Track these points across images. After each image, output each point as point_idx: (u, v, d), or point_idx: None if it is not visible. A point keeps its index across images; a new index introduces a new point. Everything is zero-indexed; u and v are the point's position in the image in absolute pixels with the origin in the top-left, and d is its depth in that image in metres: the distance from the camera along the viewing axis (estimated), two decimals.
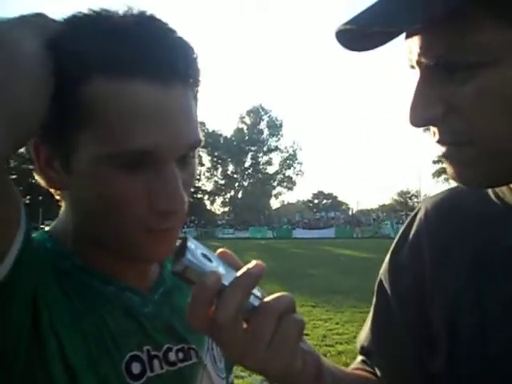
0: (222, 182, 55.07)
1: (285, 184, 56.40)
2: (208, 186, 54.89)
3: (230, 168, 55.19)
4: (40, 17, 0.52)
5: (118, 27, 0.52)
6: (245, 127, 54.95)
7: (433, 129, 0.53)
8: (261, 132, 54.75)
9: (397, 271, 0.69)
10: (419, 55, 0.50)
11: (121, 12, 0.53)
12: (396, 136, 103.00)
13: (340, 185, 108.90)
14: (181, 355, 0.65)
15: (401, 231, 0.72)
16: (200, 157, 54.55)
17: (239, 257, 0.50)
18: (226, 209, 55.84)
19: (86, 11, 0.53)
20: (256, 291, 0.48)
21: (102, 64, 0.50)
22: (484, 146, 0.50)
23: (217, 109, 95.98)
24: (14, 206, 0.48)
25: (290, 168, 55.94)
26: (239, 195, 54.79)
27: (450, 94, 0.50)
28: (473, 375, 0.57)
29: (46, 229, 0.65)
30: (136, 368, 0.60)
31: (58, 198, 0.64)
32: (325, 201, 64.71)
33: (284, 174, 56.12)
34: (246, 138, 54.37)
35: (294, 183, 56.36)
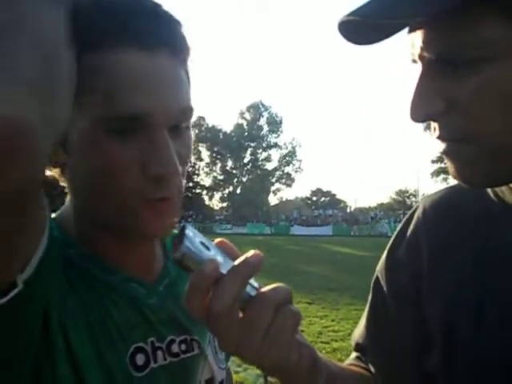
0: (221, 177, 55.04)
1: (283, 181, 56.43)
2: (207, 181, 54.91)
3: (229, 163, 55.14)
4: None
5: (106, 2, 0.53)
6: (244, 123, 54.86)
7: (433, 124, 0.53)
8: (260, 128, 54.68)
9: (393, 269, 0.69)
10: (421, 49, 0.49)
11: None
12: (395, 135, 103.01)
13: (338, 183, 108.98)
14: (183, 347, 0.66)
15: (398, 229, 0.72)
16: (199, 152, 54.55)
17: None
18: (225, 204, 55.83)
19: None
20: (253, 282, 0.47)
21: (92, 37, 0.51)
22: (483, 144, 0.50)
23: (217, 104, 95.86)
24: (43, 210, 0.48)
25: (289, 165, 55.93)
26: (238, 191, 54.78)
27: (450, 90, 0.49)
28: (468, 375, 0.57)
29: (53, 215, 0.65)
30: (140, 359, 0.60)
31: (64, 187, 0.64)
32: (323, 198, 64.73)
33: (283, 171, 56.14)
34: (246, 133, 54.30)
35: (292, 180, 56.39)
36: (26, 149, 0.38)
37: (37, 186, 0.42)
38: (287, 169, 56.16)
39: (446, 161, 0.53)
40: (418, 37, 0.50)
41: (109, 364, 0.57)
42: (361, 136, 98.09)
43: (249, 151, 54.95)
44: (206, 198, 54.59)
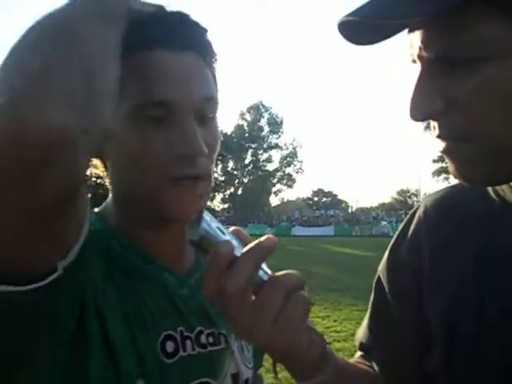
0: (222, 178, 54.96)
1: (285, 181, 56.36)
2: None
3: (230, 165, 55.09)
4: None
5: (150, 14, 0.60)
6: (245, 124, 54.83)
7: (433, 123, 0.53)
8: (261, 129, 54.63)
9: (395, 268, 0.69)
10: (420, 49, 0.50)
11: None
12: (396, 135, 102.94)
13: (340, 183, 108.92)
14: (211, 339, 0.68)
15: (400, 229, 0.72)
16: None
17: None
18: (226, 205, 55.81)
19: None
20: (266, 268, 0.49)
21: (130, 42, 0.57)
22: (483, 143, 0.50)
23: None
24: (84, 203, 0.52)
25: (290, 165, 55.87)
26: (239, 192, 54.75)
27: (449, 89, 0.49)
28: (469, 375, 0.57)
29: (96, 210, 0.71)
30: (170, 347, 0.63)
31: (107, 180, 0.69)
32: (324, 199, 64.67)
33: (284, 172, 56.07)
34: (246, 134, 54.27)
35: (293, 181, 56.32)
36: (65, 159, 0.40)
37: (75, 189, 0.45)
38: (288, 169, 56.13)
39: (446, 160, 0.53)
40: (417, 37, 0.50)
41: (141, 349, 0.60)
42: (361, 136, 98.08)
43: (250, 152, 54.92)
44: None
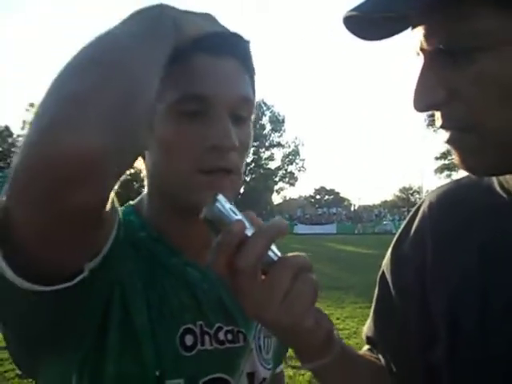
0: None
1: (287, 179, 56.31)
2: None
3: None
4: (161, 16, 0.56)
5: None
6: None
7: (437, 114, 0.54)
8: (263, 127, 54.57)
9: (399, 263, 0.69)
10: (422, 42, 0.51)
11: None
12: (398, 132, 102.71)
13: (342, 181, 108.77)
14: (229, 336, 0.70)
15: (404, 224, 0.72)
16: None
17: None
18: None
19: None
20: (276, 251, 0.50)
21: (189, 45, 0.61)
22: (485, 132, 0.50)
23: None
24: (113, 205, 0.54)
25: (292, 164, 55.81)
26: (241, 190, 54.64)
27: (451, 79, 0.50)
28: (472, 369, 0.57)
29: (132, 202, 0.74)
30: (189, 340, 0.65)
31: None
32: (327, 197, 64.65)
33: (286, 170, 56.01)
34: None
35: (296, 179, 56.24)
36: (95, 176, 0.42)
37: (102, 205, 0.47)
38: (290, 168, 56.02)
39: (449, 155, 0.57)
40: (419, 30, 0.51)
41: (160, 341, 0.62)
42: (364, 134, 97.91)
43: (252, 151, 54.84)
44: None
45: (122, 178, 0.48)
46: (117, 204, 0.58)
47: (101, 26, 0.50)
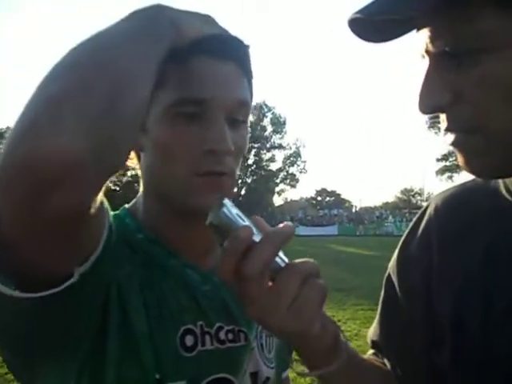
0: None
1: (288, 181, 56.27)
2: None
3: None
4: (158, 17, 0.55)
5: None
6: (248, 124, 54.80)
7: (441, 116, 0.54)
8: (264, 129, 54.57)
9: (405, 266, 0.69)
10: (427, 44, 0.51)
11: None
12: (399, 134, 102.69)
13: (343, 182, 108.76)
14: (230, 336, 0.69)
15: (410, 226, 0.72)
16: None
17: None
18: None
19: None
20: (284, 257, 0.49)
21: (179, 51, 0.60)
22: (489, 134, 0.50)
23: None
24: (102, 209, 0.53)
25: (293, 165, 55.80)
26: (242, 192, 54.74)
27: (456, 81, 0.50)
28: (477, 371, 0.57)
29: (127, 206, 0.74)
30: (189, 340, 0.65)
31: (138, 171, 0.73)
32: (328, 198, 64.57)
33: (287, 172, 55.99)
34: (249, 134, 54.04)
35: (297, 180, 56.21)
36: (75, 178, 0.41)
37: (86, 208, 0.46)
38: (292, 169, 56.02)
39: (451, 157, 0.57)
40: (424, 33, 0.51)
41: (158, 343, 0.62)
42: (365, 135, 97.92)
43: (253, 152, 54.87)
44: None
45: (125, 179, 0.61)
46: (107, 207, 0.57)
47: (101, 25, 0.50)
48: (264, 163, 55.47)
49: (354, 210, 52.85)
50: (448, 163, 39.58)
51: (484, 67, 0.48)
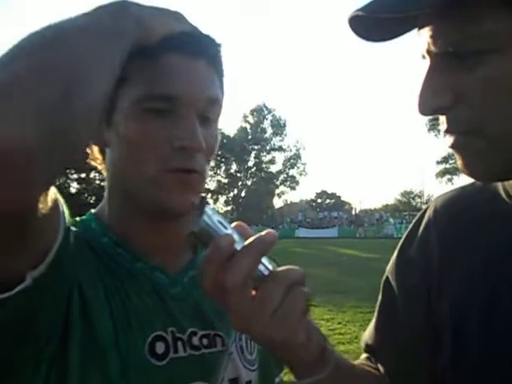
0: (225, 180, 54.97)
1: (288, 183, 56.30)
2: (211, 184, 54.80)
3: (233, 167, 55.08)
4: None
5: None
6: (248, 126, 54.82)
7: (441, 118, 0.53)
8: (264, 131, 54.61)
9: (404, 269, 0.69)
10: (429, 44, 0.50)
11: None
12: (399, 136, 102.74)
13: (343, 184, 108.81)
14: (205, 341, 0.66)
15: (409, 229, 0.71)
16: None
17: None
18: (229, 208, 55.82)
19: None
20: (267, 263, 0.48)
21: (149, 47, 0.59)
22: (492, 136, 0.49)
23: None
24: (57, 210, 0.52)
25: (293, 167, 55.83)
26: (242, 194, 54.73)
27: (458, 82, 0.49)
28: (477, 375, 0.56)
29: (93, 211, 0.72)
30: (160, 348, 0.62)
31: (104, 172, 0.71)
32: (328, 200, 64.55)
33: (287, 174, 56.01)
34: (250, 137, 54.27)
35: (297, 182, 56.23)
36: (15, 170, 0.39)
37: (33, 204, 0.44)
38: (292, 171, 56.05)
39: (451, 159, 0.57)
40: (426, 32, 0.50)
41: (124, 349, 0.59)
42: (365, 137, 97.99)
43: (253, 154, 54.91)
44: (210, 201, 54.54)
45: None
46: (64, 210, 0.55)
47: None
48: (264, 165, 55.50)
49: (354, 213, 52.84)
50: (448, 165, 39.59)
51: (488, 68, 0.47)
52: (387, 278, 0.71)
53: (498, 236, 0.58)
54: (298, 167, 55.81)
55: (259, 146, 54.33)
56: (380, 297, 0.73)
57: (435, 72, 0.51)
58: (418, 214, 0.72)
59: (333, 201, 64.30)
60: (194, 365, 0.64)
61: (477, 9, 0.46)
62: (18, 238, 0.45)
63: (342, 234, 37.03)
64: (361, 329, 5.38)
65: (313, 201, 65.33)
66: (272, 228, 39.24)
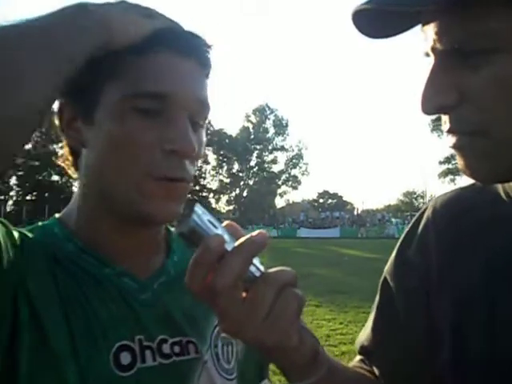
0: (228, 180, 55.02)
1: (290, 183, 56.31)
2: (213, 184, 54.92)
3: (236, 166, 55.12)
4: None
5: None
6: (250, 126, 54.84)
7: (444, 118, 0.52)
8: (266, 131, 54.63)
9: (402, 270, 0.68)
10: (434, 41, 0.49)
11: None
12: (402, 136, 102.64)
13: (345, 184, 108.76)
14: (177, 349, 0.63)
15: (407, 229, 0.70)
16: (205, 155, 54.62)
17: None
18: (231, 207, 55.83)
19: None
20: (258, 264, 0.47)
21: (149, 42, 0.58)
22: (496, 137, 0.48)
23: (222, 107, 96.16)
24: None
25: (295, 167, 55.83)
26: (244, 194, 54.75)
27: (463, 81, 0.48)
28: (478, 379, 0.56)
29: (57, 215, 0.67)
30: (125, 358, 0.58)
31: (74, 176, 0.66)
32: (330, 200, 64.51)
33: (289, 173, 56.02)
34: (252, 136, 54.29)
35: (299, 182, 56.25)
36: None
37: None
38: (294, 171, 56.05)
39: (453, 160, 0.56)
40: (431, 29, 0.49)
41: (85, 361, 0.55)
42: (367, 137, 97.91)
43: (255, 154, 54.93)
44: (212, 201, 54.64)
45: None
46: (4, 222, 0.54)
47: None
48: (266, 165, 55.52)
49: (355, 213, 52.81)
50: (451, 166, 39.57)
51: (494, 67, 0.46)
52: (385, 278, 0.71)
53: (499, 238, 0.58)
54: (300, 167, 55.84)
55: (261, 146, 54.35)
56: (378, 297, 0.72)
57: (439, 70, 0.50)
58: (417, 215, 0.71)
59: (335, 201, 64.26)
60: (164, 374, 0.60)
61: (485, 6, 0.45)
62: None
63: (344, 234, 37.04)
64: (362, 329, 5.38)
65: (315, 201, 65.30)
66: (274, 228, 39.42)
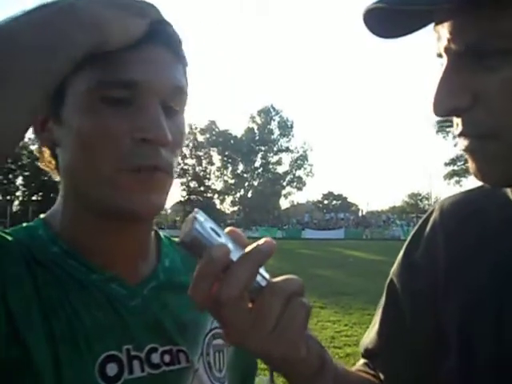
0: (232, 181, 55.04)
1: (295, 184, 56.27)
2: (218, 185, 54.98)
3: (240, 167, 55.16)
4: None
5: None
6: (255, 127, 54.86)
7: (456, 120, 0.51)
8: (271, 132, 54.65)
9: (409, 272, 0.67)
10: (448, 41, 0.48)
11: None
12: (407, 137, 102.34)
13: (350, 186, 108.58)
14: (167, 358, 0.60)
15: (414, 232, 0.70)
16: (210, 156, 54.72)
17: None
18: (236, 208, 55.85)
19: None
20: (264, 273, 0.45)
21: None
22: (509, 140, 0.47)
23: (227, 108, 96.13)
24: None
25: (300, 168, 55.80)
26: (249, 195, 54.75)
27: (477, 83, 0.47)
28: (484, 378, 0.55)
29: (42, 216, 0.64)
30: (112, 369, 0.55)
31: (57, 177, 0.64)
32: (334, 202, 64.40)
33: (294, 175, 55.99)
34: (257, 137, 54.31)
35: (303, 184, 56.19)
36: None
37: None
38: (298, 172, 56.03)
39: (459, 161, 0.55)
40: (444, 29, 0.48)
41: (67, 372, 0.52)
42: (372, 139, 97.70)
43: (260, 155, 54.95)
44: (217, 202, 54.72)
45: None
46: None
47: None
48: (271, 166, 55.51)
49: (360, 214, 52.73)
50: (456, 167, 39.39)
51: (509, 70, 0.45)
52: (392, 280, 0.70)
53: (508, 241, 0.57)
54: (305, 168, 55.80)
55: (266, 147, 54.36)
56: (383, 299, 0.71)
57: (453, 71, 0.48)
58: (424, 216, 0.70)
59: (339, 202, 64.14)
60: None
61: (501, 6, 0.44)
62: None
63: (349, 235, 36.98)
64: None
65: (319, 202, 65.21)
66: (278, 229, 39.38)
